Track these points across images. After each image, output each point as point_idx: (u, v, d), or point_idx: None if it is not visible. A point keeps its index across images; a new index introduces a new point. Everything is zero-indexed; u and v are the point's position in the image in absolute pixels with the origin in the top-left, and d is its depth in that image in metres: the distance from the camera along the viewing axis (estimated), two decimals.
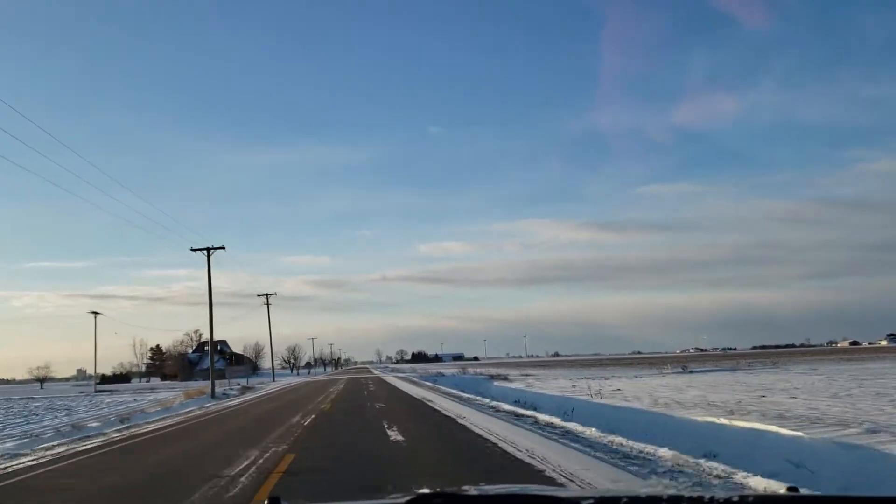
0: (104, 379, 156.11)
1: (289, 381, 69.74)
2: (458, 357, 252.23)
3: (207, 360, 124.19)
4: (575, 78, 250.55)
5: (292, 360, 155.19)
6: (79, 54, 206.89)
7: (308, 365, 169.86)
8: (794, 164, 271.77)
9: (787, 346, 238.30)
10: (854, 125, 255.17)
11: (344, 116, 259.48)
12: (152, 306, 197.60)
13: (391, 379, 49.62)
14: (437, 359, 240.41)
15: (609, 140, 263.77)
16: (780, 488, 2.01)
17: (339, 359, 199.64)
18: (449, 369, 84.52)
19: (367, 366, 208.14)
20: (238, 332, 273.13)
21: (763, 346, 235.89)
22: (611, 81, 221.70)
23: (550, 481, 7.12)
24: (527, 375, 49.68)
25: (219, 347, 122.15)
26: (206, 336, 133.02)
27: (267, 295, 71.79)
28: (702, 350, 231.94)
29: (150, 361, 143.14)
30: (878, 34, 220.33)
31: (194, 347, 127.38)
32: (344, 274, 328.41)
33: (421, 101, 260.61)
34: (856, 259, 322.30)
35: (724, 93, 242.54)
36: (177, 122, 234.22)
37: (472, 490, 1.74)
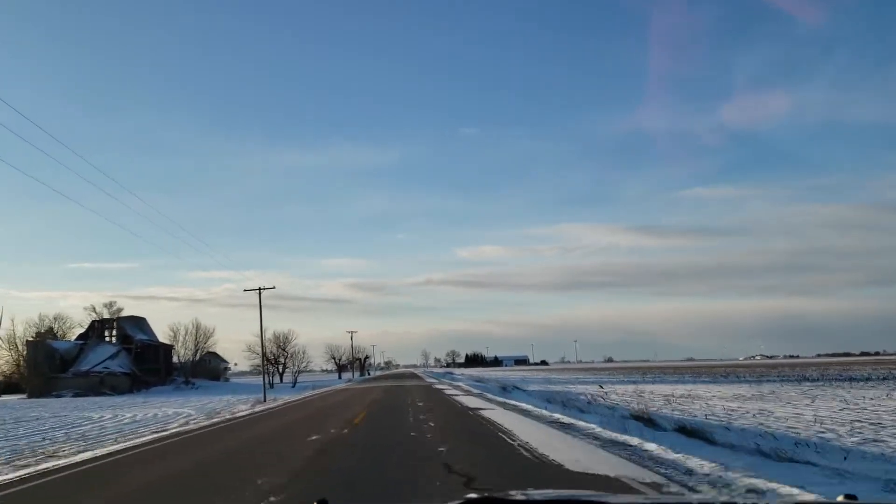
0: None
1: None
2: (522, 360, 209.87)
3: (94, 354, 49.46)
4: (614, 78, 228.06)
5: (282, 362, 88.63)
6: (107, 59, 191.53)
7: (343, 368, 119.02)
8: (846, 166, 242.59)
9: (861, 354, 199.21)
10: None
11: (375, 118, 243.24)
12: (194, 308, 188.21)
13: None
14: (496, 362, 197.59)
15: (650, 141, 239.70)
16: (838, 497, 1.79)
17: (364, 358, 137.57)
18: (581, 387, 40.30)
19: (413, 370, 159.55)
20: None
21: (835, 354, 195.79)
22: (653, 81, 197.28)
23: None
24: None
25: (126, 332, 72.88)
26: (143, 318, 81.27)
27: None
28: (768, 357, 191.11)
29: None
30: None
31: (83, 331, 73.75)
32: (383, 277, 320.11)
33: (455, 102, 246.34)
34: None
35: (773, 92, 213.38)
36: (208, 124, 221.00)
37: (518, 495, 1.74)
